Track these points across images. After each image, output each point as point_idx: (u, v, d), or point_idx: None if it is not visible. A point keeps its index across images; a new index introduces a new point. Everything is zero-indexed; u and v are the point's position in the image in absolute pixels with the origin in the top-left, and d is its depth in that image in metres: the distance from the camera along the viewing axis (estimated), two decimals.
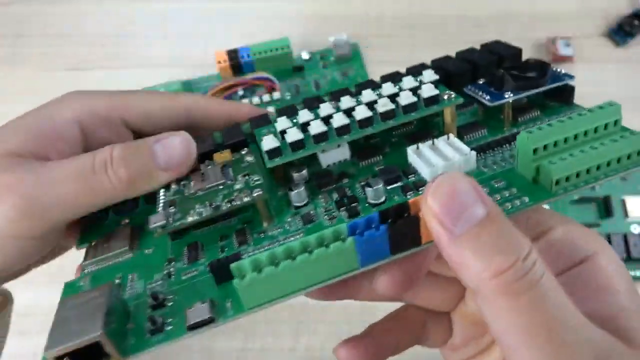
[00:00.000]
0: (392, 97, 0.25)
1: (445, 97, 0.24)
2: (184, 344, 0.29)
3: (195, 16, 0.59)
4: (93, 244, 0.25)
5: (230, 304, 0.20)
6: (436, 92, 0.24)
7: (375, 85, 0.27)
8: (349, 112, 0.25)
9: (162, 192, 0.25)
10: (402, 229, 0.19)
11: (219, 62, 0.51)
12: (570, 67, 0.54)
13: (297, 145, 0.24)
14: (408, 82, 0.26)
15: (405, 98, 0.24)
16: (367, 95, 0.26)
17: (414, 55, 0.55)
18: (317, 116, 0.25)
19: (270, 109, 0.32)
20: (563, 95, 0.27)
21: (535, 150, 0.22)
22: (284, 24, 0.57)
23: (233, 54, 0.51)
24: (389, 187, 0.24)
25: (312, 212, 0.24)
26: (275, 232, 0.23)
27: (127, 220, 0.26)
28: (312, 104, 0.27)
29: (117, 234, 0.25)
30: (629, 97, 0.52)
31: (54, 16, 0.59)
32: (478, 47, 0.30)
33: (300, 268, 0.19)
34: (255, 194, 0.23)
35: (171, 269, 0.23)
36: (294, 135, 0.24)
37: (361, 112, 0.24)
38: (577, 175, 0.22)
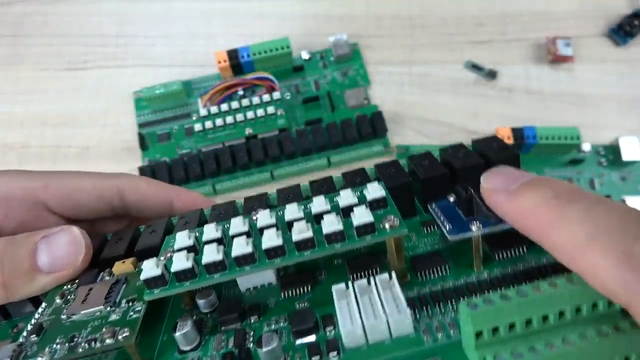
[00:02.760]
0: (318, 218, 0.19)
1: (387, 225, 0.18)
2: None
3: (195, 16, 0.59)
4: None
5: None
6: (370, 219, 0.18)
7: (308, 196, 0.21)
8: (262, 231, 0.19)
9: (41, 307, 0.20)
10: None
11: (219, 62, 0.51)
12: (570, 67, 0.54)
13: (183, 275, 0.18)
14: (345, 197, 0.20)
15: (329, 224, 0.18)
16: (291, 211, 0.20)
17: (414, 55, 0.56)
18: (220, 238, 0.20)
19: (218, 200, 0.27)
20: None
21: (478, 335, 0.15)
22: (284, 24, 0.57)
23: (233, 54, 0.51)
24: (297, 342, 0.18)
25: None
26: None
27: (15, 330, 0.22)
28: (224, 216, 0.22)
29: None
30: (629, 97, 0.53)
31: (54, 16, 0.59)
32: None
33: None
34: (120, 336, 0.17)
35: None
36: (180, 262, 0.18)
37: (269, 239, 0.18)
38: None
